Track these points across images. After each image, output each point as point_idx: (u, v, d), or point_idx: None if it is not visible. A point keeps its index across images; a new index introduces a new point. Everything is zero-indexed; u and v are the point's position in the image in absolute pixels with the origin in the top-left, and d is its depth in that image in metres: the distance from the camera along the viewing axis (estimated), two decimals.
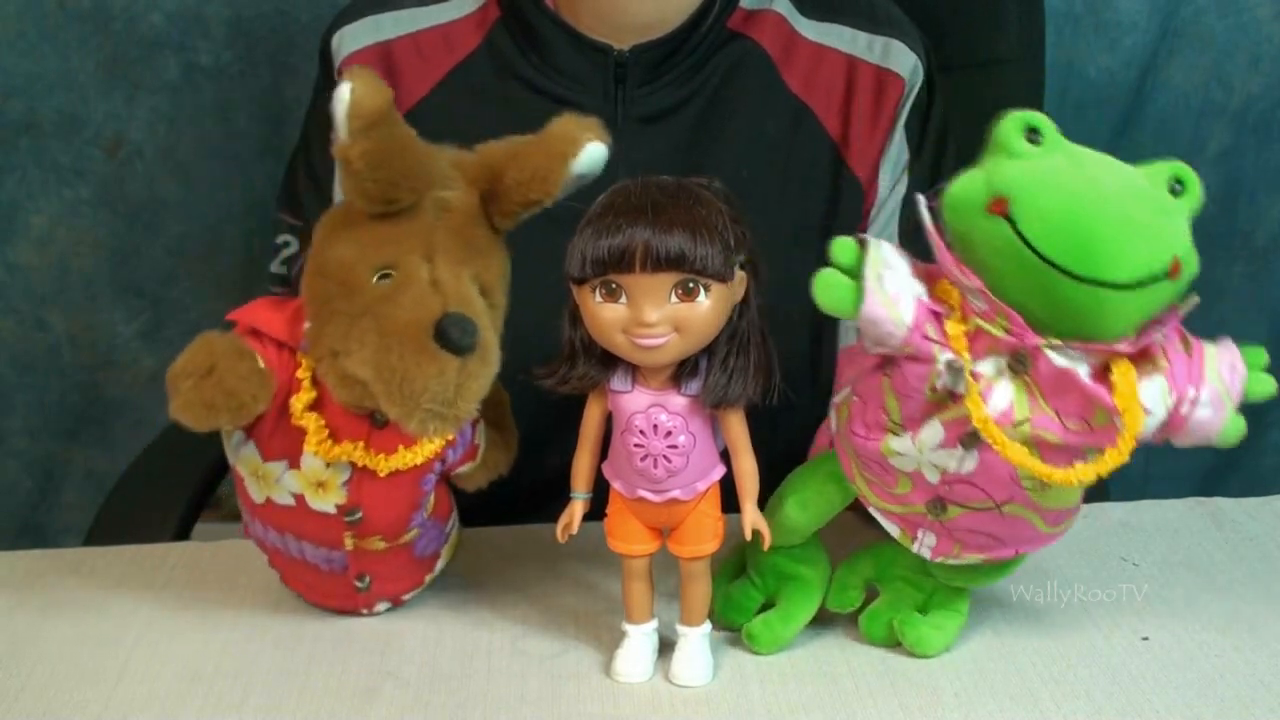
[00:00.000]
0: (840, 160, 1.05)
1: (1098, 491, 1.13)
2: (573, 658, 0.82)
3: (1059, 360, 0.68)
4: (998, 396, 0.70)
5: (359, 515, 0.80)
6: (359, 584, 0.85)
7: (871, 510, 0.79)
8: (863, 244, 0.71)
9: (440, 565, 0.88)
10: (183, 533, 1.12)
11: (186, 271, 1.54)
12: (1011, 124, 0.67)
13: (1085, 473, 0.70)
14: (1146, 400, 0.69)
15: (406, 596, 0.88)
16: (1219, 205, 1.57)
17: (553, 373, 0.76)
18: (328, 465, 0.79)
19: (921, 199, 0.70)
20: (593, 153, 0.77)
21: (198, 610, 0.89)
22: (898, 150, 1.05)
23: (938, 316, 0.70)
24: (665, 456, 0.75)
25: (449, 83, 1.05)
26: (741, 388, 0.74)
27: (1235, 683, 0.79)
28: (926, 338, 0.70)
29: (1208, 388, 0.69)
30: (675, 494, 0.76)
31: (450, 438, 0.81)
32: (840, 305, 0.70)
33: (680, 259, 0.69)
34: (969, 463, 0.73)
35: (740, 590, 0.85)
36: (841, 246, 0.71)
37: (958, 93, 1.10)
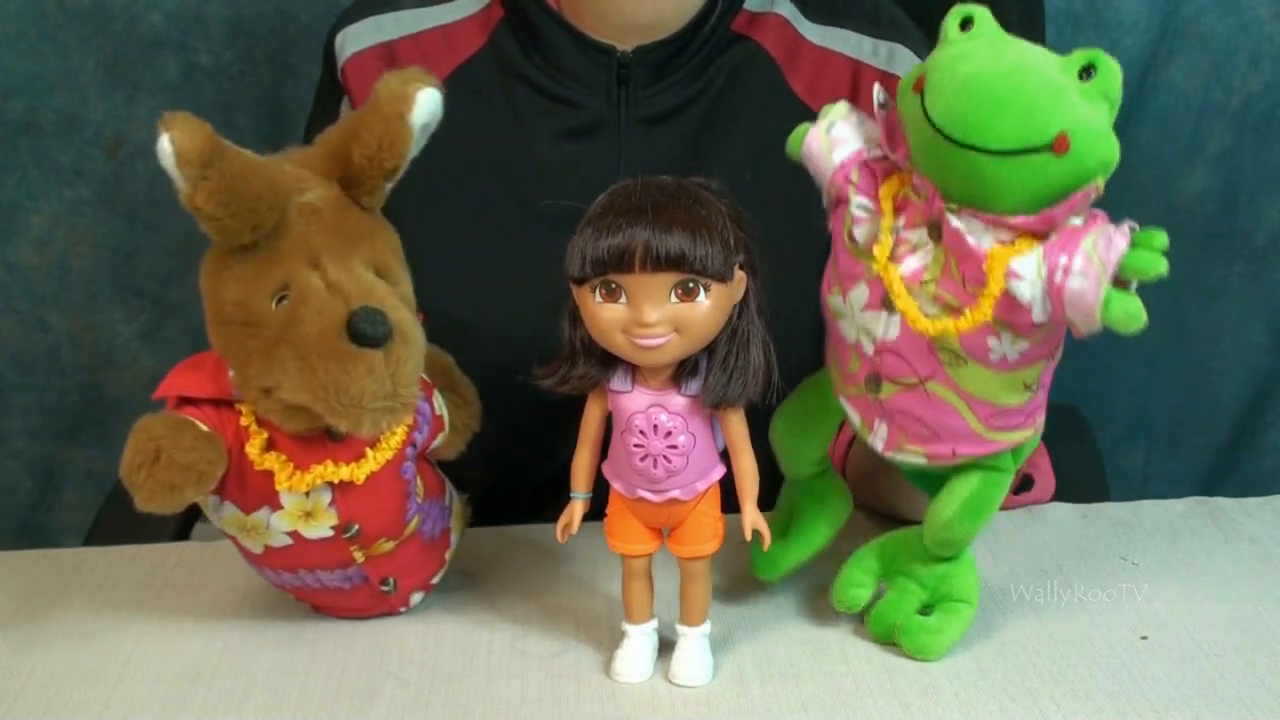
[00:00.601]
0: None
1: (1098, 491, 1.14)
2: (573, 658, 0.82)
3: (955, 223, 0.71)
4: (912, 260, 0.74)
5: (357, 529, 0.80)
6: (385, 588, 0.85)
7: (840, 400, 0.81)
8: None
9: (455, 539, 0.89)
10: (183, 533, 1.12)
11: (186, 271, 1.54)
12: (952, 16, 0.72)
13: (945, 324, 0.72)
14: (1017, 266, 0.70)
15: (435, 579, 0.88)
16: (1219, 205, 1.57)
17: (553, 373, 0.76)
18: (307, 494, 0.78)
19: (878, 86, 0.76)
20: (426, 100, 0.76)
21: (198, 610, 0.89)
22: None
23: (872, 171, 0.76)
24: (665, 456, 0.75)
25: (452, 83, 1.04)
26: (741, 387, 0.74)
27: (1235, 682, 0.79)
28: (848, 180, 0.76)
29: (1080, 256, 0.69)
30: (675, 494, 0.76)
31: (409, 423, 0.80)
32: (793, 143, 0.78)
33: (680, 259, 0.69)
34: (893, 328, 0.75)
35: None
36: (832, 106, 0.78)
37: None
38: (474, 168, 1.03)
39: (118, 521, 1.13)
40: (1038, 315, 0.70)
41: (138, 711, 0.78)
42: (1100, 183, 0.69)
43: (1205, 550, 0.94)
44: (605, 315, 0.71)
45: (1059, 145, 0.67)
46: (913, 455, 0.79)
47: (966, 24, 0.71)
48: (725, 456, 0.77)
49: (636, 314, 0.71)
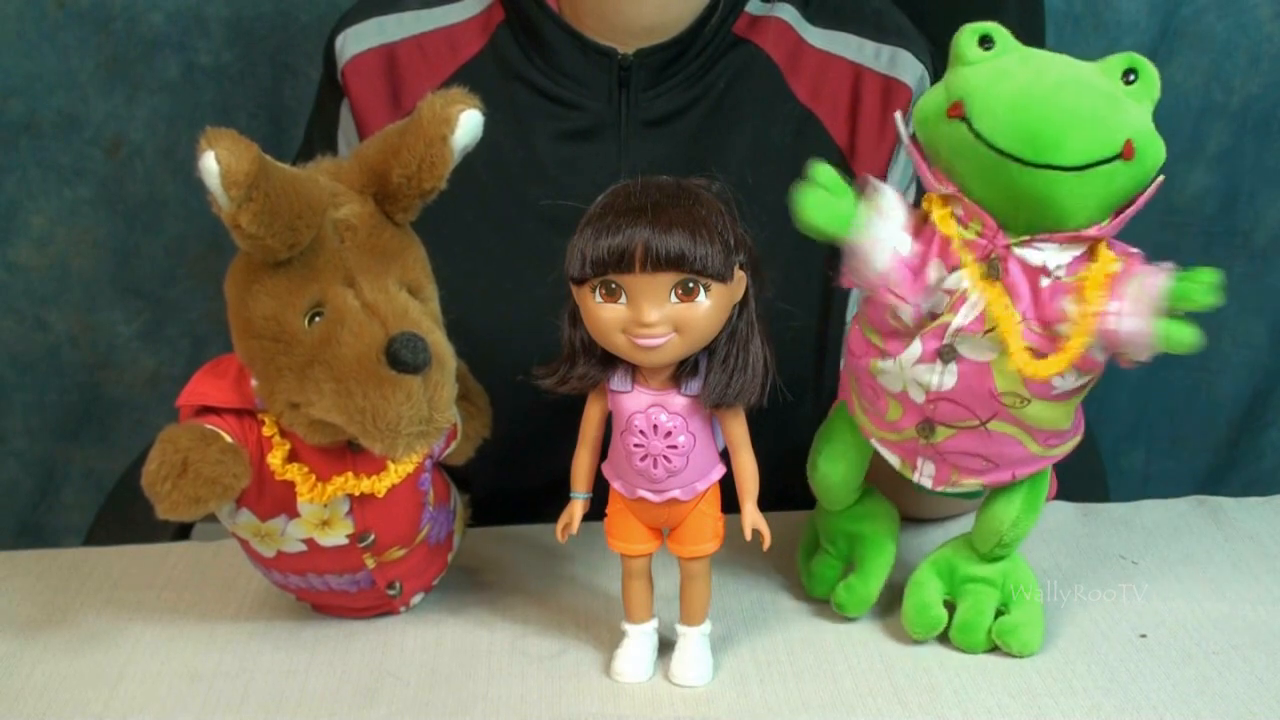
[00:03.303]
0: (847, 169, 1.04)
1: (1098, 491, 1.14)
2: (573, 658, 0.82)
3: (1031, 257, 0.71)
4: (966, 309, 0.72)
5: (372, 538, 0.80)
6: (390, 591, 0.85)
7: (874, 443, 0.80)
8: (868, 186, 0.74)
9: (458, 541, 0.89)
10: (183, 533, 1.12)
11: (186, 271, 1.54)
12: (966, 35, 0.71)
13: (1042, 367, 0.71)
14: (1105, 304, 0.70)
15: (436, 581, 0.88)
16: (1219, 205, 1.57)
17: (553, 373, 0.76)
18: (326, 505, 0.78)
19: (900, 115, 0.75)
20: (469, 122, 0.76)
21: (198, 610, 0.89)
22: (905, 159, 1.05)
23: (913, 271, 0.73)
24: (665, 456, 0.75)
25: (452, 85, 1.04)
26: (741, 387, 0.74)
27: (1234, 681, 0.79)
28: (890, 292, 0.73)
29: (1128, 299, 0.70)
30: (675, 494, 0.76)
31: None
32: (828, 224, 0.72)
33: (680, 259, 0.69)
34: (949, 378, 0.74)
35: (819, 563, 0.87)
36: (822, 170, 0.73)
37: None
38: (474, 169, 1.03)
39: (118, 521, 1.14)
40: (1098, 356, 0.72)
41: (138, 711, 0.78)
42: (1161, 178, 0.71)
43: (1205, 550, 0.94)
44: (605, 315, 0.71)
45: (1127, 152, 0.69)
46: (967, 487, 0.80)
47: (985, 42, 0.71)
48: (725, 456, 0.77)
49: (636, 314, 0.71)
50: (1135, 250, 0.73)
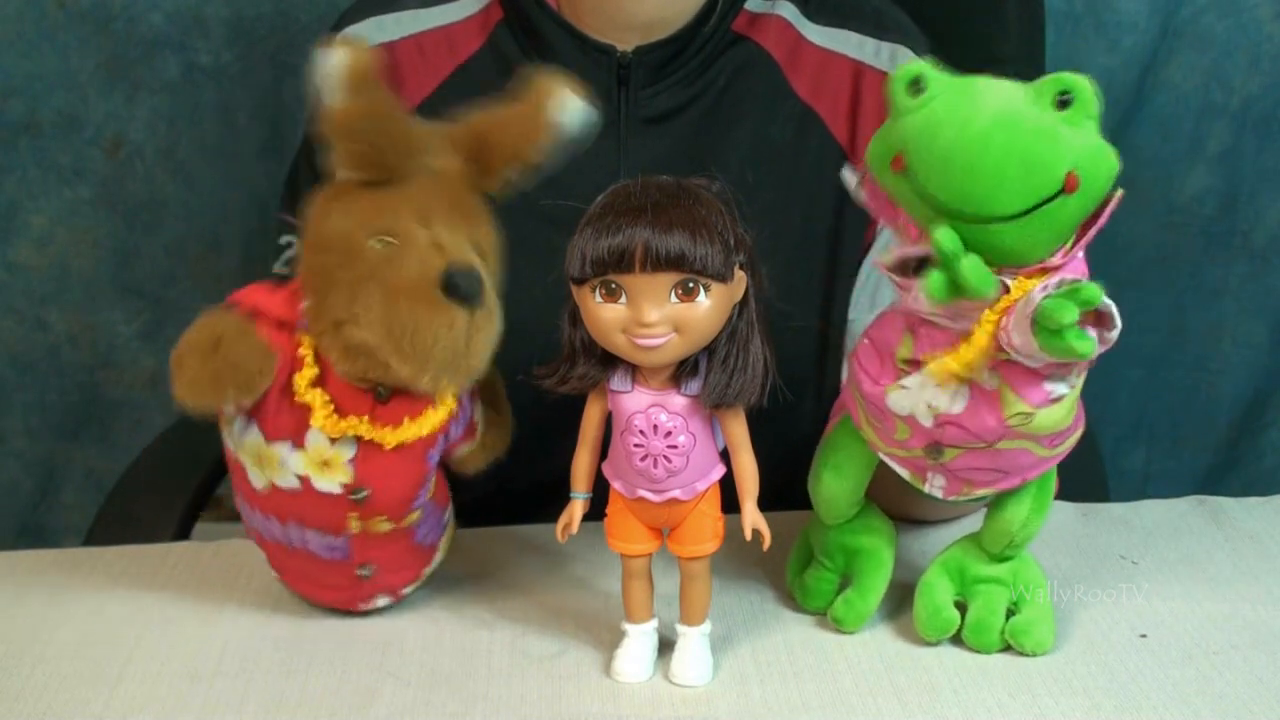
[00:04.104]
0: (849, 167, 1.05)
1: (1098, 491, 1.14)
2: (573, 658, 0.82)
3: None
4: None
5: (365, 494, 0.80)
6: (361, 572, 0.84)
7: (882, 456, 0.80)
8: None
9: (438, 558, 0.88)
10: (183, 533, 1.12)
11: (186, 271, 1.54)
12: (896, 82, 0.69)
13: (951, 362, 0.71)
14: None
15: (406, 590, 0.88)
16: (1219, 205, 1.57)
17: (553, 373, 0.76)
18: (333, 442, 0.78)
19: (846, 172, 0.75)
20: (572, 105, 0.79)
21: (198, 610, 0.89)
22: None
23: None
24: (665, 456, 0.75)
25: (451, 84, 1.05)
26: (741, 387, 0.74)
27: (1234, 681, 0.79)
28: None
29: (1015, 313, 0.69)
30: (675, 494, 0.76)
31: (453, 403, 0.81)
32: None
33: (680, 259, 0.69)
34: (958, 402, 0.73)
35: (814, 576, 0.86)
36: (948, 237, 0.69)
37: None
38: None
39: (118, 521, 1.14)
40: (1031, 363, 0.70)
41: (138, 711, 0.78)
42: (1118, 193, 0.69)
43: (1205, 550, 0.94)
44: (605, 315, 0.71)
45: (1070, 185, 0.66)
46: (979, 494, 0.80)
47: (915, 85, 0.68)
48: (725, 456, 0.77)
49: (636, 314, 0.71)
50: (1079, 269, 0.71)
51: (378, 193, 0.75)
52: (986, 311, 0.69)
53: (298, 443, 0.79)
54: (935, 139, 0.67)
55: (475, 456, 0.87)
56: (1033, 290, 0.68)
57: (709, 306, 0.71)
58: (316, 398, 0.77)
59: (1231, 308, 1.61)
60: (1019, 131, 0.66)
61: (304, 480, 0.80)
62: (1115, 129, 1.54)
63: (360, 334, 0.74)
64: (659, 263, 0.69)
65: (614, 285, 0.71)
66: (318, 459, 0.79)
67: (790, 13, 1.06)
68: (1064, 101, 0.66)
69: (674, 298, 0.70)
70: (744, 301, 0.74)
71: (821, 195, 1.04)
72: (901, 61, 1.04)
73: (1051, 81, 0.67)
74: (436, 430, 0.80)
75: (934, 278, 0.69)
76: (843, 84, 1.04)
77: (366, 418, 0.78)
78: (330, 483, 0.80)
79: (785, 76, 1.04)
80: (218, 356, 0.74)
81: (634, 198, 0.71)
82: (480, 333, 0.75)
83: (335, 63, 0.73)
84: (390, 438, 0.79)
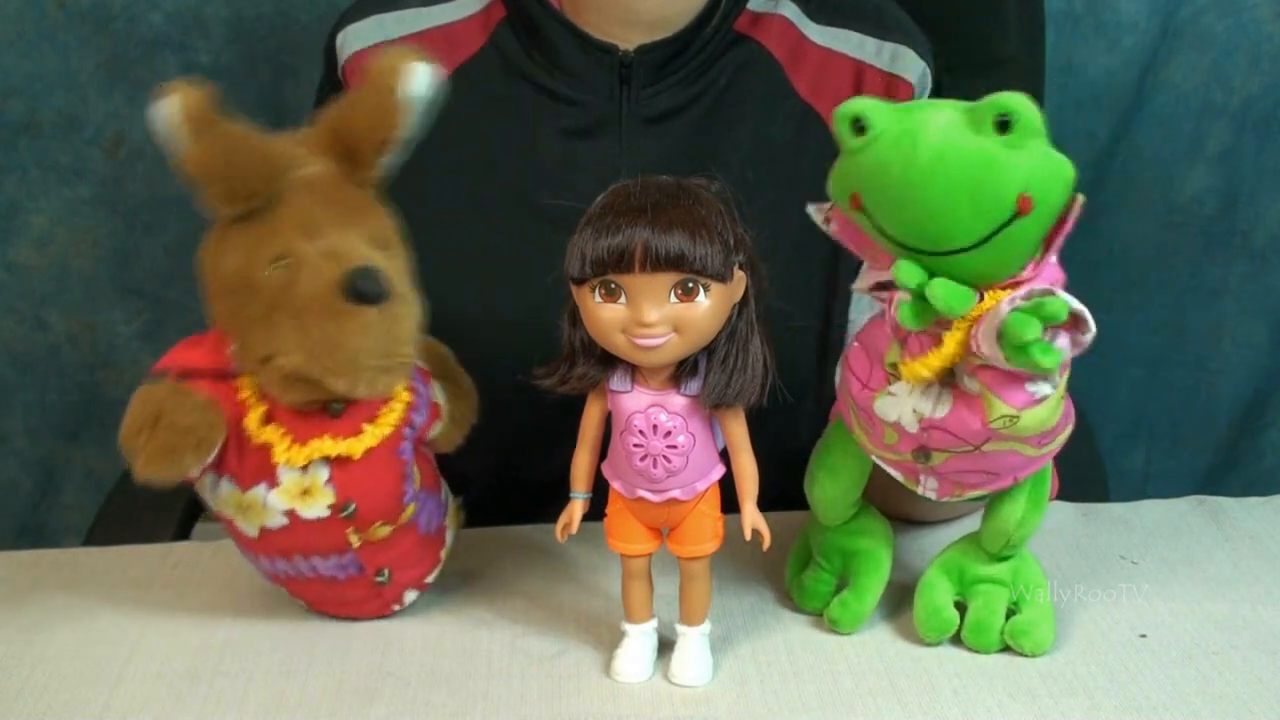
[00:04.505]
0: None
1: (1098, 491, 1.14)
2: (573, 658, 0.82)
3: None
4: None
5: (353, 507, 0.80)
6: (379, 579, 0.84)
7: (874, 458, 0.80)
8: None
9: (450, 539, 0.89)
10: (183, 533, 1.12)
11: (186, 271, 1.54)
12: (839, 122, 0.69)
13: (920, 365, 0.71)
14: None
15: (429, 579, 0.88)
16: (1219, 205, 1.57)
17: (552, 373, 0.76)
18: (304, 470, 0.78)
19: (813, 209, 0.76)
20: (419, 72, 0.78)
21: (198, 610, 0.89)
22: None
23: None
24: (665, 456, 0.75)
25: (453, 82, 1.04)
26: (741, 387, 0.74)
27: (1233, 681, 0.79)
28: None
29: (983, 323, 0.69)
30: (675, 494, 0.76)
31: (407, 394, 0.81)
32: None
33: (680, 259, 0.69)
34: (942, 407, 0.73)
35: (811, 577, 0.86)
36: (910, 272, 0.70)
37: (957, 94, 1.10)
38: (475, 166, 1.03)
39: (118, 521, 1.14)
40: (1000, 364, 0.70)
41: (138, 711, 0.78)
42: (1078, 199, 0.68)
43: (1205, 550, 0.94)
44: (605, 315, 0.71)
45: (1023, 207, 0.66)
46: (971, 496, 0.80)
47: (857, 125, 0.68)
48: (725, 456, 0.77)
49: (636, 314, 0.71)
50: (1054, 278, 0.71)
51: (258, 221, 0.75)
52: (957, 320, 0.70)
53: (271, 483, 0.79)
54: (884, 179, 0.68)
55: (449, 433, 0.87)
56: (1001, 302, 0.68)
57: (708, 306, 0.71)
58: (273, 434, 0.78)
59: (1231, 308, 1.61)
60: (962, 164, 0.66)
61: (290, 514, 0.80)
62: (1115, 129, 1.54)
63: (288, 363, 0.75)
64: (659, 263, 0.69)
65: (613, 285, 0.71)
66: (296, 490, 0.79)
67: (792, 12, 1.06)
68: (1003, 124, 0.65)
69: (673, 298, 0.70)
70: (744, 301, 0.74)
71: (822, 195, 1.03)
72: (903, 61, 1.04)
73: (988, 105, 0.66)
74: (399, 425, 0.81)
75: (904, 309, 0.70)
76: (844, 83, 1.04)
77: (327, 436, 0.78)
78: (316, 508, 0.80)
79: (786, 76, 1.04)
80: (162, 426, 0.74)
81: (634, 198, 0.70)
82: (400, 322, 0.75)
83: (171, 110, 0.72)
84: (356, 447, 0.79)
